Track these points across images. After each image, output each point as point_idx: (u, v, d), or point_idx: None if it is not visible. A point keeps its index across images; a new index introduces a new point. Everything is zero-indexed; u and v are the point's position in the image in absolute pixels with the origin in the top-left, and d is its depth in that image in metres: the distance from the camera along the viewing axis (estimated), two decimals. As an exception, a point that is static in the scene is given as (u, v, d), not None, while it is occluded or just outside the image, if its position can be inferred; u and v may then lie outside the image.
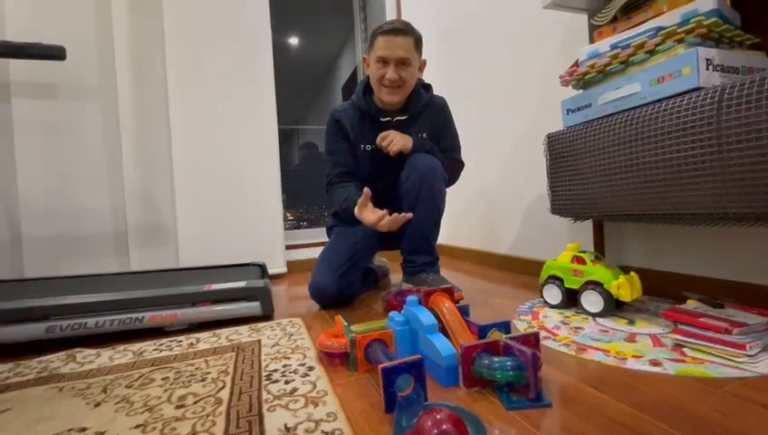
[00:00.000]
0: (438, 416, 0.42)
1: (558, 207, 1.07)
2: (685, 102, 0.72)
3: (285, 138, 2.16)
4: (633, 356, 0.69)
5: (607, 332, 0.81)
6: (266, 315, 1.06)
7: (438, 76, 1.95)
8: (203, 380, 0.68)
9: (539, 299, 1.09)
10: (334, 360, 0.74)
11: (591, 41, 1.04)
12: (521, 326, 0.89)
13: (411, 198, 1.14)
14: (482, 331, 0.69)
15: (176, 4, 1.53)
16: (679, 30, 0.76)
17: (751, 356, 0.63)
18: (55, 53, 1.32)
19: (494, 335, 0.67)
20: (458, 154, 1.32)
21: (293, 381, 0.66)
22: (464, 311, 0.78)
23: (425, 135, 1.24)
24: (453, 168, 1.28)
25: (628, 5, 0.91)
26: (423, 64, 1.23)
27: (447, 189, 1.24)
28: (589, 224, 1.18)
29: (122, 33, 1.50)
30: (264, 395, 0.61)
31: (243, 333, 0.93)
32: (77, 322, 0.91)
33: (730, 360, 0.64)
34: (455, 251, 1.97)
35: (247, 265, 1.36)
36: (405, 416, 0.50)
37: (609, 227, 1.16)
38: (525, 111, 1.46)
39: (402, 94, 1.18)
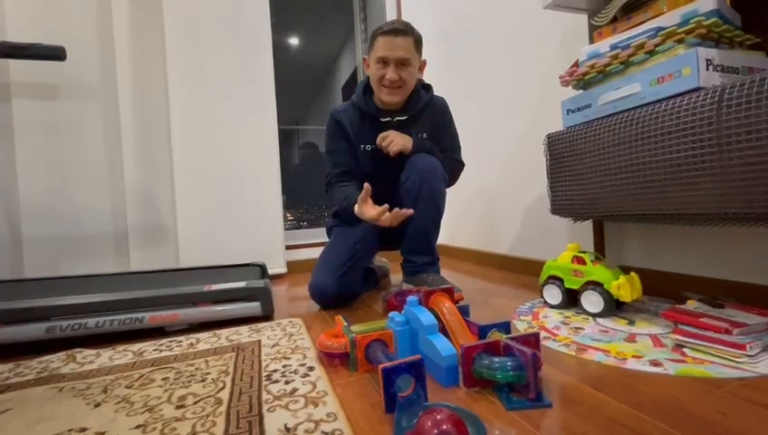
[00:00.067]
0: (438, 416, 0.42)
1: (558, 208, 1.07)
2: (685, 103, 0.72)
3: (285, 138, 2.16)
4: (633, 356, 0.69)
5: (607, 332, 0.81)
6: (266, 316, 1.06)
7: (438, 76, 1.95)
8: (203, 380, 0.68)
9: (539, 299, 1.09)
10: (334, 360, 0.74)
11: (591, 41, 1.04)
12: (521, 326, 0.89)
13: (411, 199, 1.14)
14: (482, 331, 0.69)
15: (176, 5, 1.53)
16: (679, 30, 0.76)
17: (751, 356, 0.63)
18: (56, 54, 1.32)
19: (495, 336, 0.67)
20: (458, 154, 1.32)
21: (293, 381, 0.66)
22: (464, 311, 0.78)
23: (425, 135, 1.24)
24: (453, 168, 1.28)
25: (628, 6, 0.91)
26: (423, 65, 1.24)
27: (447, 189, 1.24)
28: (589, 224, 1.18)
29: (123, 34, 1.51)
30: (264, 395, 0.61)
31: (243, 334, 0.93)
32: (77, 322, 0.91)
33: (730, 360, 0.64)
34: (455, 251, 1.97)
35: (247, 265, 1.36)
36: (405, 416, 0.50)
37: (609, 227, 1.16)
38: (525, 111, 1.46)
39: (402, 94, 1.19)
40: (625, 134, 0.83)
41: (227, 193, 1.62)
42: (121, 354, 0.83)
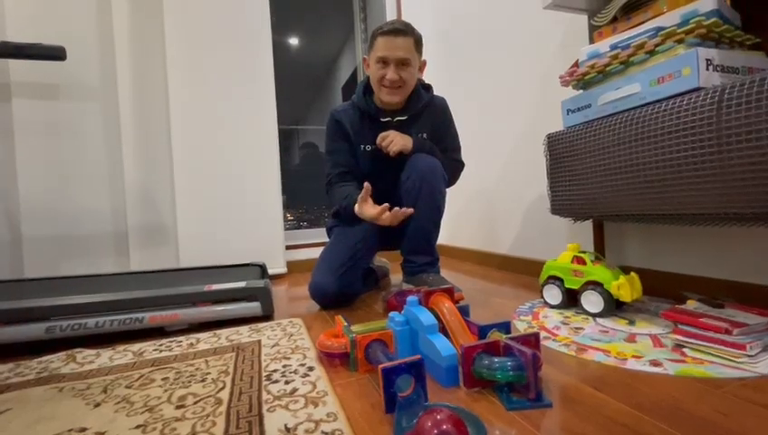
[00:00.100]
0: (438, 416, 0.42)
1: (558, 208, 1.07)
2: (685, 103, 0.72)
3: (285, 138, 2.16)
4: (633, 356, 0.69)
5: (607, 332, 0.81)
6: (266, 316, 1.06)
7: (438, 76, 1.95)
8: (203, 380, 0.68)
9: (539, 299, 1.09)
10: (334, 360, 0.74)
11: (591, 41, 1.04)
12: (521, 326, 0.89)
13: (411, 199, 1.14)
14: (482, 331, 0.69)
15: (176, 5, 1.53)
16: (679, 30, 0.76)
17: (751, 356, 0.63)
18: (56, 54, 1.32)
19: (495, 336, 0.67)
20: (458, 154, 1.32)
21: (293, 381, 0.66)
22: (464, 311, 0.78)
23: (425, 135, 1.24)
24: (453, 168, 1.28)
25: (628, 6, 0.91)
26: (423, 65, 1.24)
27: (447, 189, 1.24)
28: (589, 224, 1.18)
29: (123, 34, 1.51)
30: (264, 395, 0.61)
31: (243, 334, 0.93)
32: (77, 322, 0.91)
33: (730, 360, 0.64)
34: (455, 251, 1.97)
35: (247, 265, 1.36)
36: (405, 416, 0.50)
37: (609, 227, 1.16)
38: (525, 111, 1.46)
39: (402, 95, 1.19)
40: (625, 134, 0.83)
41: (227, 193, 1.62)
42: (121, 354, 0.83)
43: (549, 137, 1.07)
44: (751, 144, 0.64)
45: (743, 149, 0.65)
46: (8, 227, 1.43)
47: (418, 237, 1.17)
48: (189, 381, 0.67)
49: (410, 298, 0.74)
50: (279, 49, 1.85)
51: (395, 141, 1.15)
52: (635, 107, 0.84)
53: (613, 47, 0.89)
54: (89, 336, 0.92)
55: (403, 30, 1.12)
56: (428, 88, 1.30)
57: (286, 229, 1.80)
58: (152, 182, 1.58)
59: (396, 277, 1.52)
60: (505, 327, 0.69)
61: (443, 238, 1.62)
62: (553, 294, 1.00)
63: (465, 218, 1.89)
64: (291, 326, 0.97)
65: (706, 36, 0.75)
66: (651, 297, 1.02)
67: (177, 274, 1.28)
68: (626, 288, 0.85)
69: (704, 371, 0.62)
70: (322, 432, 0.50)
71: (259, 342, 0.86)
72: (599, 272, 0.90)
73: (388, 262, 1.59)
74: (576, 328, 0.85)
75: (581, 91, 1.00)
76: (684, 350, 0.70)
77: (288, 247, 1.80)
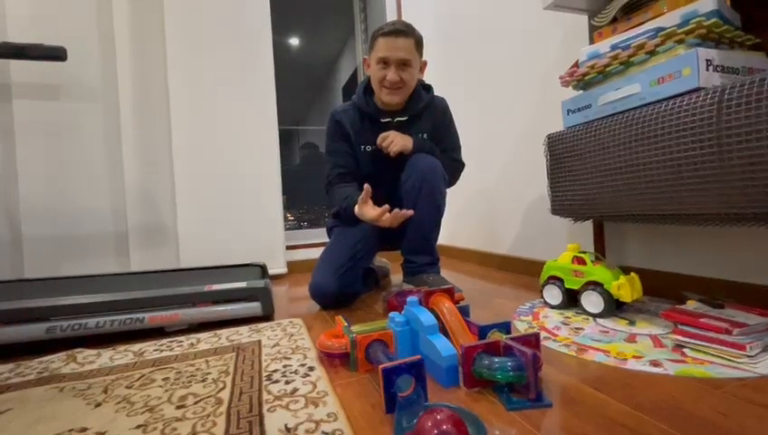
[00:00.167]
0: (439, 416, 0.42)
1: (558, 208, 1.07)
2: (685, 103, 0.72)
3: (286, 138, 2.17)
4: (633, 357, 0.69)
5: (607, 332, 0.81)
6: (267, 316, 1.07)
7: (438, 76, 1.95)
8: (203, 380, 0.68)
9: (539, 299, 1.09)
10: (335, 360, 0.74)
11: (591, 41, 1.04)
12: (521, 327, 0.89)
13: (412, 199, 1.14)
14: (482, 331, 0.69)
15: (176, 5, 1.53)
16: (679, 31, 0.76)
17: (751, 357, 0.63)
18: (56, 54, 1.33)
19: (495, 336, 0.67)
20: (459, 155, 1.32)
21: (294, 381, 0.66)
22: (464, 311, 0.79)
23: (425, 136, 1.24)
24: (453, 168, 1.28)
25: (629, 6, 0.91)
26: (423, 65, 1.24)
27: (447, 190, 1.24)
28: (589, 224, 1.18)
29: (123, 34, 1.51)
30: (265, 395, 0.61)
31: (243, 334, 0.93)
32: (77, 322, 0.91)
33: (730, 360, 0.64)
34: (455, 251, 1.97)
35: (248, 265, 1.36)
36: (405, 416, 0.50)
37: (609, 227, 1.16)
38: (525, 111, 1.46)
39: (403, 95, 1.19)
40: (625, 134, 0.83)
41: (227, 193, 1.62)
42: (122, 354, 0.83)
43: (549, 137, 1.07)
44: (751, 144, 0.64)
45: (743, 149, 0.65)
46: (8, 227, 1.43)
47: (419, 238, 1.17)
48: (190, 382, 0.67)
49: (410, 298, 0.74)
50: (279, 49, 1.85)
51: (395, 142, 1.15)
52: (635, 107, 0.84)
53: (613, 47, 0.89)
54: (89, 336, 0.92)
55: (404, 31, 1.13)
56: (429, 88, 1.30)
57: (286, 229, 1.80)
58: (152, 182, 1.58)
59: (396, 277, 1.52)
60: (506, 327, 0.69)
61: (443, 238, 1.62)
62: (554, 295, 1.00)
63: (465, 218, 1.89)
64: (291, 326, 0.97)
65: (706, 37, 0.75)
66: (651, 297, 1.02)
67: (177, 274, 1.28)
68: (626, 288, 0.85)
69: (704, 371, 0.62)
70: (323, 432, 0.50)
71: (259, 342, 0.86)
72: (599, 272, 0.91)
73: (389, 262, 1.59)
74: (576, 328, 0.85)
75: (582, 91, 1.00)
76: (684, 350, 0.70)
77: (288, 248, 1.80)
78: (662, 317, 0.82)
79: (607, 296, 0.88)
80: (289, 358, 0.76)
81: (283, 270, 1.71)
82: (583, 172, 0.96)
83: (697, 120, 0.70)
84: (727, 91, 0.66)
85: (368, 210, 1.07)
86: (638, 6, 0.89)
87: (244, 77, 1.65)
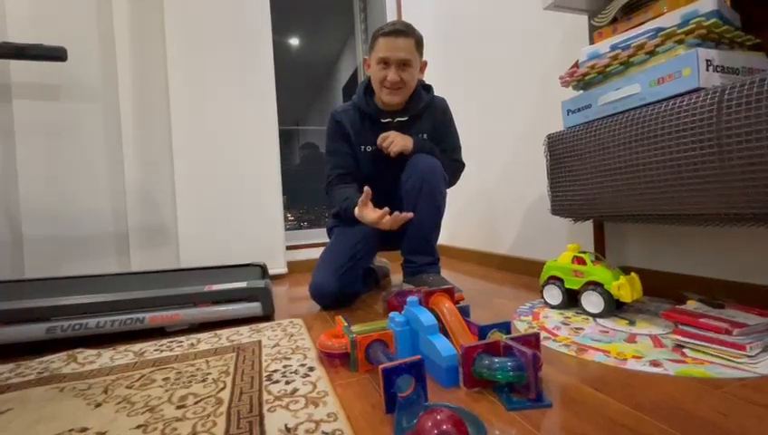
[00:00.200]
0: (439, 416, 0.42)
1: (558, 208, 1.07)
2: (685, 103, 0.72)
3: (286, 138, 2.17)
4: (633, 357, 0.69)
5: (607, 332, 0.81)
6: (267, 316, 1.07)
7: (439, 76, 1.95)
8: (204, 380, 0.68)
9: (539, 300, 1.09)
10: (335, 360, 0.74)
11: (591, 41, 1.04)
12: (521, 327, 0.89)
13: (412, 199, 1.14)
14: (482, 331, 0.69)
15: (176, 5, 1.54)
16: (679, 31, 0.76)
17: (751, 357, 0.63)
18: (56, 55, 1.33)
19: (495, 336, 0.67)
20: (459, 155, 1.32)
21: (294, 381, 0.66)
22: (464, 311, 0.79)
23: (425, 136, 1.24)
24: (453, 168, 1.28)
25: (629, 6, 0.91)
26: (424, 65, 1.24)
27: (448, 190, 1.24)
28: (589, 224, 1.18)
29: (123, 34, 1.51)
30: (265, 396, 0.61)
31: (243, 334, 0.93)
32: (78, 322, 0.91)
33: (730, 360, 0.64)
34: (455, 251, 1.97)
35: (248, 265, 1.36)
36: (405, 416, 0.50)
37: (609, 227, 1.16)
38: (525, 111, 1.46)
39: (403, 95, 1.19)
40: (625, 135, 0.83)
41: (228, 193, 1.62)
42: (122, 355, 0.83)
43: (549, 137, 1.07)
44: (751, 144, 0.64)
45: (743, 149, 0.65)
46: (9, 228, 1.43)
47: (419, 238, 1.17)
48: (190, 382, 0.68)
49: (410, 298, 0.74)
50: (279, 49, 1.85)
51: (395, 142, 1.15)
52: (635, 107, 0.84)
53: (613, 48, 0.89)
54: (89, 336, 0.92)
55: (404, 31, 1.13)
56: (429, 88, 1.30)
57: (287, 230, 1.80)
58: (152, 182, 1.58)
59: (396, 278, 1.52)
60: (506, 327, 0.69)
61: (443, 238, 1.62)
62: (554, 295, 1.00)
63: (465, 218, 1.89)
64: (291, 326, 0.97)
65: (706, 37, 0.75)
66: (651, 297, 1.03)
67: (177, 274, 1.28)
68: (626, 288, 0.85)
69: (704, 371, 0.62)
70: (323, 432, 0.50)
71: (259, 342, 0.87)
72: (599, 272, 0.91)
73: (389, 262, 1.59)
74: (576, 328, 0.85)
75: (582, 91, 1.00)
76: (684, 350, 0.70)
77: (288, 248, 1.80)
78: (662, 317, 0.82)
79: (607, 296, 0.88)
80: (289, 358, 0.76)
81: (284, 270, 1.71)
82: (583, 172, 0.96)
83: (697, 120, 0.70)
84: (727, 92, 0.66)
85: (368, 213, 1.07)
86: (638, 6, 0.89)
87: (244, 77, 1.65)
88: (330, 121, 1.27)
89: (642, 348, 0.72)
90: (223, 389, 0.64)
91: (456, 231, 1.96)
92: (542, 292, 1.03)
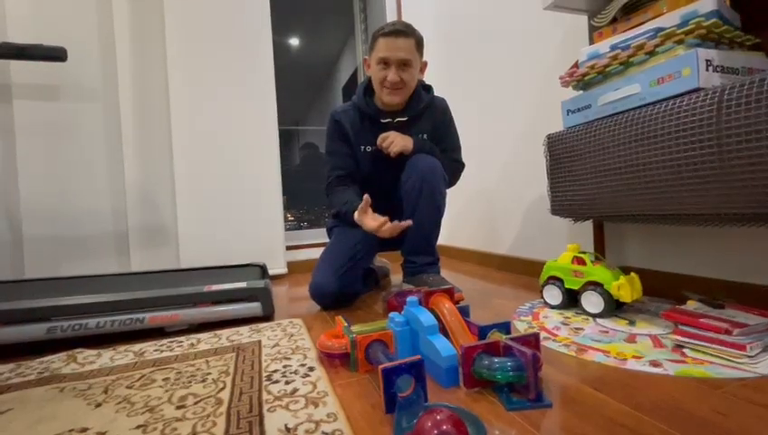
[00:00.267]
0: (438, 417, 0.42)
1: (558, 208, 1.07)
2: (685, 103, 0.72)
3: (286, 138, 2.17)
4: (633, 357, 0.69)
5: (607, 332, 0.81)
6: (267, 316, 1.07)
7: (439, 76, 1.95)
8: (203, 380, 0.68)
9: (539, 300, 1.09)
10: (335, 360, 0.74)
11: (591, 42, 1.04)
12: (521, 327, 0.89)
13: (412, 199, 1.14)
14: (482, 331, 0.69)
15: (176, 5, 1.54)
16: (679, 31, 0.76)
17: (751, 357, 0.63)
18: (56, 55, 1.33)
19: (495, 336, 0.67)
20: (459, 155, 1.32)
21: (294, 381, 0.66)
22: (464, 312, 0.79)
23: (425, 136, 1.24)
24: (453, 169, 1.28)
25: (628, 6, 0.91)
26: (424, 66, 1.24)
27: (448, 190, 1.24)
28: (589, 224, 1.18)
29: (123, 35, 1.51)
30: (265, 396, 0.61)
31: (243, 334, 0.93)
32: (78, 322, 0.91)
33: (730, 360, 0.64)
34: (455, 251, 1.97)
35: (248, 265, 1.36)
36: (405, 417, 0.50)
37: (609, 227, 1.16)
38: (525, 111, 1.46)
39: (403, 95, 1.19)
40: (625, 135, 0.83)
41: (228, 193, 1.62)
42: (122, 355, 0.83)
43: (549, 137, 1.07)
44: (751, 144, 0.64)
45: (743, 149, 0.65)
46: (9, 228, 1.43)
47: (419, 238, 1.17)
48: (190, 382, 0.68)
49: (410, 299, 0.74)
50: (279, 49, 1.85)
51: (395, 142, 1.15)
52: (635, 107, 0.84)
53: (613, 48, 0.89)
54: (90, 337, 0.92)
55: (404, 31, 1.13)
56: (429, 89, 1.30)
57: (287, 230, 1.80)
58: (152, 182, 1.58)
59: (396, 278, 1.52)
60: (505, 328, 0.69)
61: (443, 238, 1.62)
62: (553, 295, 1.00)
63: (465, 218, 1.89)
64: (291, 327, 0.97)
65: (706, 37, 0.75)
66: (651, 298, 1.02)
67: (177, 274, 1.28)
68: (626, 289, 0.85)
69: (704, 371, 0.62)
70: (323, 433, 0.50)
71: (259, 342, 0.87)
72: (599, 272, 0.91)
73: (389, 262, 1.59)
74: (576, 328, 0.85)
75: (581, 91, 1.00)
76: (684, 350, 0.70)
77: (288, 248, 1.80)
78: (662, 317, 0.82)
79: (607, 296, 0.88)
80: (289, 358, 0.76)
81: (284, 270, 1.71)
82: (583, 172, 0.96)
83: (697, 120, 0.70)
84: (727, 92, 0.66)
85: (367, 220, 1.07)
86: (637, 7, 0.89)
87: (244, 77, 1.65)
88: (329, 122, 1.27)
89: (642, 348, 0.72)
90: (223, 389, 0.64)
91: (455, 231, 1.96)
92: (541, 292, 1.03)
